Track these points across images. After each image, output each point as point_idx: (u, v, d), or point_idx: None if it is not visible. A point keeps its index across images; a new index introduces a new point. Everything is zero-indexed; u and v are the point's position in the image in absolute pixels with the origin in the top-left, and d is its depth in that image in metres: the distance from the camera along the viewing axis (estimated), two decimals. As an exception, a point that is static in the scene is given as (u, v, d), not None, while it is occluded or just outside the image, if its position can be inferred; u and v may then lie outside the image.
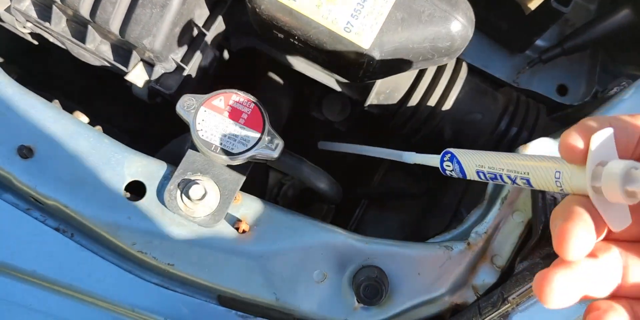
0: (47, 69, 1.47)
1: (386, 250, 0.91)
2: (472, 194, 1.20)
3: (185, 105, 0.88)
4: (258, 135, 0.87)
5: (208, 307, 0.91)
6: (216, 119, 0.87)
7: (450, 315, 0.92)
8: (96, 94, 1.48)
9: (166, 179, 0.91)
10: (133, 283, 0.91)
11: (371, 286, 0.86)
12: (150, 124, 1.46)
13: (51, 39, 1.15)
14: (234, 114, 0.88)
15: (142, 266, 0.92)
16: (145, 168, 0.92)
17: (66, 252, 0.91)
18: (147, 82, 1.08)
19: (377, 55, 0.88)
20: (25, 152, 0.91)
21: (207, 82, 1.20)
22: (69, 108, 1.09)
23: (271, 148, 0.87)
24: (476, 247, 0.92)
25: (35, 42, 1.32)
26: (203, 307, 0.91)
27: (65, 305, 0.91)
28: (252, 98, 0.89)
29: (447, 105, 1.07)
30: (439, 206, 1.24)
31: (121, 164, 0.92)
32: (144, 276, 0.91)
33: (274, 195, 1.23)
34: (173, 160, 0.93)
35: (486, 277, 0.92)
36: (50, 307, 0.91)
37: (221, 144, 0.86)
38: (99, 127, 1.13)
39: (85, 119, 1.13)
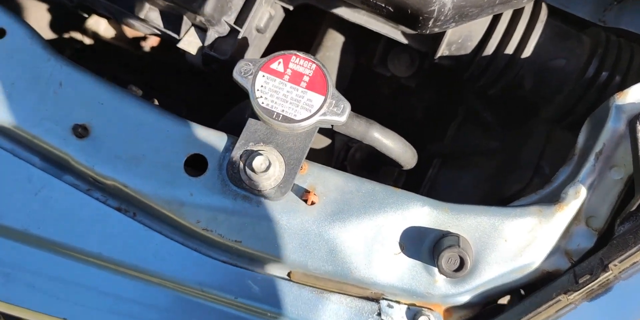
0: (98, 43, 1.43)
1: (469, 217, 0.84)
2: (556, 147, 1.10)
3: (242, 71, 0.82)
4: (322, 98, 0.80)
5: (279, 284, 0.87)
6: (276, 84, 0.81)
7: (542, 284, 0.84)
8: (150, 65, 1.43)
9: (227, 151, 0.86)
10: (200, 262, 0.88)
11: (454, 256, 0.79)
12: (208, 93, 1.41)
13: (99, 10, 1.11)
14: (295, 77, 0.81)
15: (208, 244, 0.88)
16: (205, 140, 0.87)
17: (130, 232, 0.89)
18: (201, 49, 1.02)
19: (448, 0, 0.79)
20: (81, 131, 0.88)
21: (264, 44, 1.13)
22: (122, 82, 1.04)
23: (337, 112, 0.80)
24: (569, 209, 0.83)
25: (85, 15, 1.28)
26: (274, 284, 0.87)
27: (132, 287, 0.89)
28: (313, 59, 0.82)
29: (527, 51, 0.97)
30: (517, 162, 1.15)
31: (180, 137, 0.87)
32: (211, 254, 0.88)
33: (341, 159, 1.16)
34: (234, 130, 0.87)
35: (581, 241, 0.84)
36: (118, 289, 0.89)
37: (283, 110, 0.80)
38: (154, 100, 1.08)
39: (139, 92, 1.08)
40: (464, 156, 1.22)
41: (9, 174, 0.91)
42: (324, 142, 1.13)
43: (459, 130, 1.22)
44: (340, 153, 1.16)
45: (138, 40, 1.42)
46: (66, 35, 1.43)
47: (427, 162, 1.21)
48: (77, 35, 1.42)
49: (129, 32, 1.40)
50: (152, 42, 1.43)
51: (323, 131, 1.11)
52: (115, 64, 1.37)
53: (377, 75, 1.22)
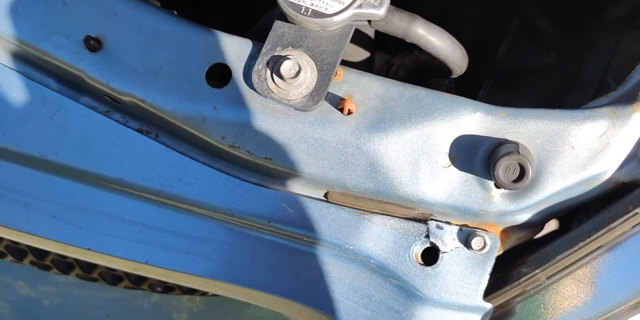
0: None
1: (528, 122, 0.74)
2: (624, 57, 0.99)
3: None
4: None
5: (316, 205, 0.80)
6: (304, -27, 0.72)
7: (616, 197, 0.75)
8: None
9: (253, 58, 0.78)
10: (228, 184, 0.82)
11: (512, 164, 0.69)
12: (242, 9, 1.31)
13: None
14: (325, -37, 0.73)
15: (236, 164, 0.82)
16: (227, 48, 0.79)
17: (152, 155, 0.84)
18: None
19: None
20: (94, 44, 0.81)
21: None
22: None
23: (374, 4, 0.71)
24: (648, 109, 0.73)
25: None
26: (310, 205, 0.80)
27: (158, 214, 0.85)
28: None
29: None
30: (578, 79, 1.05)
31: (200, 46, 0.79)
32: (240, 175, 0.82)
33: (382, 78, 1.09)
34: (264, 40, 0.79)
35: (664, 146, 0.74)
36: (143, 217, 0.85)
37: (312, 4, 0.71)
38: (173, 11, 1.00)
39: (157, 3, 1.00)
40: (518, 75, 1.12)
41: (23, 98, 0.86)
42: (362, 60, 1.05)
43: (512, 47, 1.14)
44: (381, 72, 1.08)
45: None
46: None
47: (477, 84, 1.12)
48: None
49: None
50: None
51: (362, 47, 1.02)
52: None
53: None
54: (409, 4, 1.23)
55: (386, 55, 1.08)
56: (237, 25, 1.19)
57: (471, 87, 1.15)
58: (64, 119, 0.84)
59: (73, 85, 0.85)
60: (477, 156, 0.75)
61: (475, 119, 0.75)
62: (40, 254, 1.13)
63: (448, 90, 1.06)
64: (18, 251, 1.14)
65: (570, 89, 1.11)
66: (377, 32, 0.95)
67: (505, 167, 0.70)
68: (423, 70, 1.01)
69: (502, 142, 0.74)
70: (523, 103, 1.14)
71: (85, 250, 0.87)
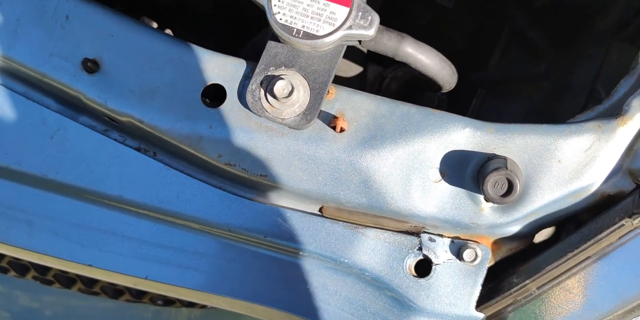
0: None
1: (516, 137, 0.76)
2: (612, 66, 1.00)
3: (256, -16, 0.75)
4: (347, 10, 0.73)
5: (311, 220, 0.81)
6: (295, -3, 0.73)
7: (602, 209, 0.77)
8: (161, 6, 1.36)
9: (247, 78, 0.79)
10: (225, 200, 0.83)
11: (501, 179, 0.71)
12: (226, 20, 1.32)
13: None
14: (315, -14, 0.74)
15: (232, 180, 0.83)
16: (222, 69, 0.80)
17: (150, 172, 0.85)
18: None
19: None
20: (91, 66, 0.83)
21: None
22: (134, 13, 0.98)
23: (364, 25, 0.73)
24: (633, 122, 0.74)
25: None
26: (305, 220, 0.81)
27: (156, 230, 0.86)
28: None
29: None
30: (569, 87, 1.06)
31: (195, 67, 0.81)
32: (236, 191, 0.83)
33: (375, 91, 1.09)
34: (257, 58, 0.80)
35: (647, 159, 0.75)
36: (142, 233, 0.86)
37: (304, 26, 0.73)
38: (168, 31, 1.02)
39: (153, 24, 1.02)
40: (510, 84, 1.13)
41: (23, 118, 0.87)
42: (355, 72, 1.06)
43: (503, 57, 1.14)
44: (374, 84, 1.08)
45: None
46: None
47: (470, 93, 1.13)
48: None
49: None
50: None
51: (354, 61, 1.04)
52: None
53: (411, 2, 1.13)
54: (402, 14, 1.25)
55: (379, 68, 1.09)
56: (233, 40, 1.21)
57: (464, 96, 1.16)
58: (63, 138, 0.86)
59: (72, 106, 0.86)
60: (467, 171, 0.76)
61: (465, 135, 0.76)
62: (43, 269, 1.14)
63: (440, 101, 1.07)
64: (20, 267, 1.15)
65: (562, 96, 1.11)
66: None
67: (494, 182, 0.71)
68: (415, 83, 1.01)
69: (491, 157, 0.75)
70: (515, 111, 1.15)
71: (86, 266, 0.88)
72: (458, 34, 1.28)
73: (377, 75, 1.09)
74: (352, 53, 1.03)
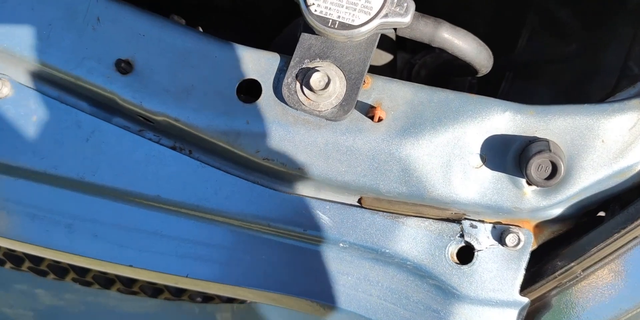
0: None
1: (557, 118, 0.75)
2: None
3: (291, -24, 0.74)
4: None
5: (350, 212, 0.81)
6: (329, -13, 0.73)
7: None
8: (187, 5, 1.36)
9: (282, 72, 0.79)
10: (264, 195, 0.83)
11: (544, 162, 0.70)
12: (258, 13, 1.32)
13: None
14: (349, -25, 0.73)
15: (270, 175, 0.83)
16: (256, 64, 0.80)
17: (187, 171, 0.85)
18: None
19: None
20: (124, 67, 0.83)
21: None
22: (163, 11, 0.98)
23: (400, 12, 0.72)
24: (680, 97, 0.73)
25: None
26: (344, 211, 0.81)
27: (195, 228, 0.86)
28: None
29: None
30: (599, 67, 1.04)
31: (229, 63, 0.80)
32: (274, 186, 0.83)
33: (405, 78, 1.08)
34: (289, 50, 0.80)
35: (696, 135, 0.74)
36: (181, 232, 0.86)
37: (339, 17, 0.72)
38: (199, 28, 1.02)
39: (182, 21, 1.01)
40: (539, 66, 1.12)
41: (58, 122, 0.87)
42: (386, 61, 1.05)
43: (531, 40, 1.12)
44: (404, 72, 1.08)
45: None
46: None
47: (498, 77, 1.12)
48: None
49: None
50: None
51: (384, 48, 1.03)
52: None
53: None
54: (420, 0, 1.24)
55: (407, 55, 1.08)
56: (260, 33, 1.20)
57: (492, 80, 1.15)
58: (98, 140, 0.86)
59: (105, 107, 0.87)
60: (508, 155, 0.76)
61: (505, 119, 0.76)
62: (82, 271, 1.15)
63: (471, 85, 1.06)
64: (60, 269, 1.15)
65: (591, 77, 1.10)
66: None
67: (537, 166, 0.71)
68: (445, 68, 1.01)
69: (532, 140, 0.74)
70: (545, 92, 1.14)
71: (126, 266, 0.88)
72: (479, 19, 1.26)
73: (406, 62, 1.09)
74: (382, 43, 1.02)
